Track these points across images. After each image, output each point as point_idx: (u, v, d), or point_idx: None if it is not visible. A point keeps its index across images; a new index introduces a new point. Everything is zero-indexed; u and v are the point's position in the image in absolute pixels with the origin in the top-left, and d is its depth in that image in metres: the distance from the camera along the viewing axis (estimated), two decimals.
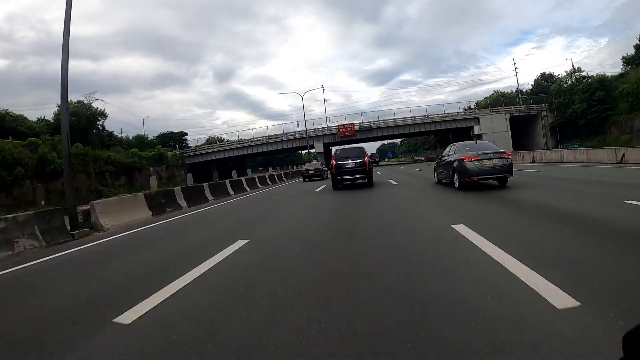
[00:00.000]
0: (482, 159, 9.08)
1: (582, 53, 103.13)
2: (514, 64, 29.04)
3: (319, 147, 47.15)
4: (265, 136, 50.39)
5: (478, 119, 44.66)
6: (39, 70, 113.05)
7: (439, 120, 46.07)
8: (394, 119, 47.02)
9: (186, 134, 64.95)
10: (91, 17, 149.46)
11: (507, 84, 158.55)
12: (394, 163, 72.70)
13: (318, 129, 48.67)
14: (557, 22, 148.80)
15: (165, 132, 63.30)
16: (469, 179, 9.15)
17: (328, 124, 49.60)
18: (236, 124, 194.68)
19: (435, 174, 12.30)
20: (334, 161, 13.20)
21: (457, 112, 48.23)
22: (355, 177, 13.14)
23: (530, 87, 58.76)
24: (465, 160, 9.23)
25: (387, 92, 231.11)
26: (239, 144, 50.02)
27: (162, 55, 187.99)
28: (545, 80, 56.89)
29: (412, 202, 8.39)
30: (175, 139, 58.10)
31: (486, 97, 61.21)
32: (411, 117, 47.05)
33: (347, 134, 45.66)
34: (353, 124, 47.24)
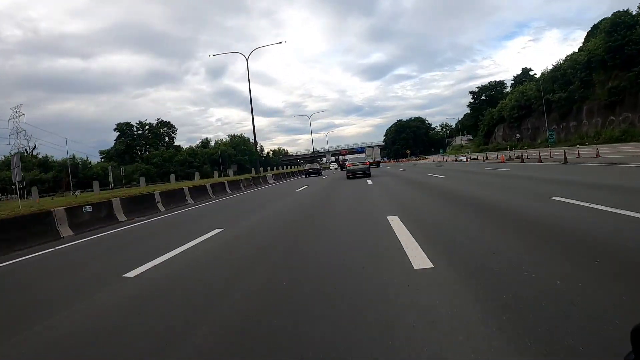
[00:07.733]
0: (354, 165, 18.78)
1: (579, 45, 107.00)
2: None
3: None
4: None
5: None
6: (28, 69, 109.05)
7: None
8: None
9: None
10: (79, 13, 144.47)
11: (503, 78, 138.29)
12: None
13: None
14: (553, 14, 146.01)
15: None
16: (349, 174, 18.55)
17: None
18: (230, 121, 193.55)
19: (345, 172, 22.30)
20: (340, 161, 50.50)
21: None
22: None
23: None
24: (347, 165, 18.91)
25: (382, 87, 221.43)
26: None
27: (153, 52, 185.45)
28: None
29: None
30: None
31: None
32: None
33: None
34: None
